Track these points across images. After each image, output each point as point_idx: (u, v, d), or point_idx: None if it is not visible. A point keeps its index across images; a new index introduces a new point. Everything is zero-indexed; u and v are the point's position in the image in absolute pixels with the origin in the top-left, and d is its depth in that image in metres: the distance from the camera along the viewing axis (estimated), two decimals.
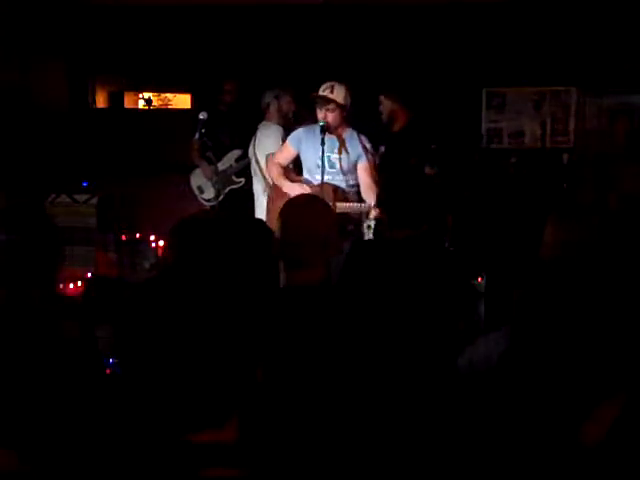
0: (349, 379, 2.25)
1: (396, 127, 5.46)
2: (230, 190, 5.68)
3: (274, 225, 2.60)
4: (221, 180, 5.44)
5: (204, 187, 5.72)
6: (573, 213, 2.57)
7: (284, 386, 2.19)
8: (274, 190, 4.62)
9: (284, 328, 2.26)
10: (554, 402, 2.14)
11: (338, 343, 2.27)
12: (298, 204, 2.62)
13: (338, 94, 4.23)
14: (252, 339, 2.23)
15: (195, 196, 5.82)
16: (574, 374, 2.14)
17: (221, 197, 5.45)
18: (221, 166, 5.63)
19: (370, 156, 4.40)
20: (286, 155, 4.48)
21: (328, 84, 4.26)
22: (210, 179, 5.53)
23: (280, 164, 4.47)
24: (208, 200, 5.67)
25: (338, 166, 4.31)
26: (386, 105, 5.48)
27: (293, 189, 4.28)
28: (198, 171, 5.74)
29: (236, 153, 5.71)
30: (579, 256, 2.41)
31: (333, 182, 4.26)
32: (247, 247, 2.36)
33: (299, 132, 4.50)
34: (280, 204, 2.70)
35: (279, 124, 5.28)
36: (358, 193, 4.37)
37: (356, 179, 4.36)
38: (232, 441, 2.05)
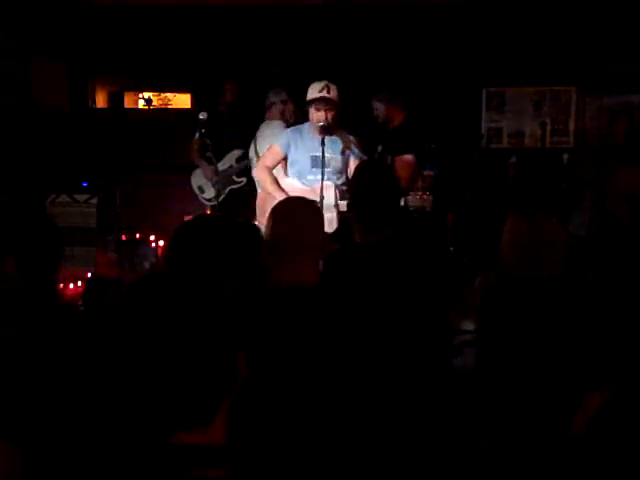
0: (340, 380, 2.26)
1: (392, 126, 5.47)
2: (230, 190, 5.68)
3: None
4: (221, 180, 5.43)
5: (204, 187, 5.72)
6: (525, 213, 2.58)
7: (274, 386, 2.19)
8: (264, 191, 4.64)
9: (274, 329, 2.27)
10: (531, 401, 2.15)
11: (328, 345, 2.28)
12: (288, 205, 2.63)
13: (334, 93, 4.26)
14: (237, 338, 2.24)
15: (195, 196, 5.82)
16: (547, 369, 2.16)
17: (222, 197, 5.44)
18: (221, 166, 5.61)
19: (360, 152, 4.42)
20: (275, 157, 4.49)
21: (322, 84, 4.27)
22: (210, 179, 5.52)
23: (268, 167, 4.48)
24: (209, 200, 5.67)
25: (332, 165, 4.32)
26: (380, 108, 5.51)
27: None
28: (198, 171, 5.74)
29: (236, 153, 5.70)
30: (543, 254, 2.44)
31: (327, 182, 4.27)
32: (239, 251, 2.37)
33: (287, 134, 4.51)
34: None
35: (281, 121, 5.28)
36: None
37: (346, 177, 4.37)
38: (220, 442, 2.06)
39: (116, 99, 7.76)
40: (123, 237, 5.80)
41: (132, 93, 7.85)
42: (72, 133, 6.80)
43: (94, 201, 5.76)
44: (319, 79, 4.37)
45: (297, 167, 4.38)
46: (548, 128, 7.11)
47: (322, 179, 4.09)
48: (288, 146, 4.41)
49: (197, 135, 5.41)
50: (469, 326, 3.41)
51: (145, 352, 2.13)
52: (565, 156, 6.90)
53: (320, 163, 4.18)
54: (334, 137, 4.33)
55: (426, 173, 5.28)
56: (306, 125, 4.44)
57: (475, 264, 4.92)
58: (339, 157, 4.34)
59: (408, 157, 5.12)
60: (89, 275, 5.09)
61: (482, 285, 2.92)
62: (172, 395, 2.07)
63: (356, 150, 4.40)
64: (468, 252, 5.19)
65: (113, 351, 2.16)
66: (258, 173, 4.59)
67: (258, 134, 5.32)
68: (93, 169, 6.40)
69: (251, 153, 5.38)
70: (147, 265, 5.74)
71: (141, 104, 7.76)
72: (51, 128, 6.56)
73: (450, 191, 5.58)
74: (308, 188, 4.28)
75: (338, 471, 2.14)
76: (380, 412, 2.40)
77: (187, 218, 5.97)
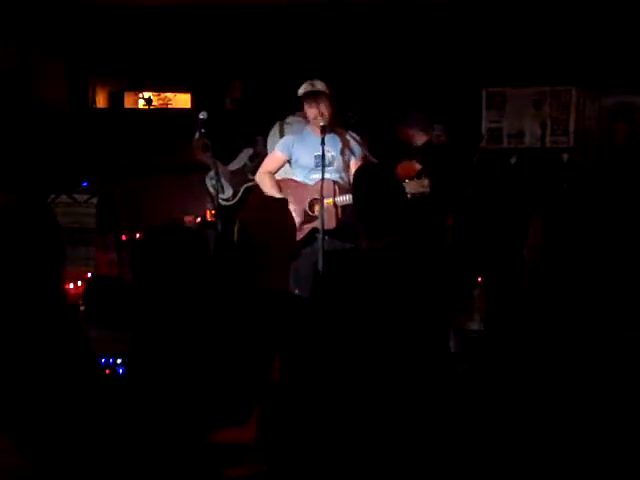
0: (336, 385, 2.26)
1: (414, 145, 5.44)
2: (245, 188, 5.68)
3: None
4: (236, 179, 5.46)
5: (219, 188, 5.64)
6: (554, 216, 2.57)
7: (293, 386, 2.20)
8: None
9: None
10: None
11: (324, 349, 2.29)
12: (255, 209, 2.63)
13: (320, 86, 4.30)
14: (268, 339, 2.24)
15: (196, 196, 5.81)
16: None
17: (238, 196, 5.46)
18: (235, 165, 5.65)
19: (364, 151, 4.44)
20: (277, 163, 4.53)
21: (309, 82, 4.32)
22: (228, 179, 5.56)
23: (269, 172, 4.51)
24: (226, 200, 5.62)
25: (335, 164, 4.34)
26: (403, 133, 5.47)
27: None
28: (212, 173, 5.68)
29: (249, 152, 5.71)
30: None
31: (331, 179, 4.29)
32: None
33: (287, 138, 4.58)
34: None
35: None
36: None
37: (348, 175, 4.37)
38: (252, 440, 2.07)
39: (116, 99, 7.75)
40: (123, 237, 5.80)
41: (132, 93, 7.84)
42: (72, 133, 6.80)
43: (94, 201, 5.76)
44: (318, 78, 4.40)
45: (301, 167, 4.40)
46: (548, 128, 7.11)
47: (322, 178, 4.09)
48: (290, 148, 4.44)
49: (197, 135, 5.41)
50: (474, 327, 3.40)
51: (182, 347, 2.14)
52: (565, 156, 6.91)
53: (324, 160, 4.22)
54: (335, 135, 4.35)
55: (436, 133, 5.27)
56: (307, 127, 4.48)
57: (476, 265, 4.92)
58: (341, 156, 4.36)
59: (415, 165, 5.10)
60: (89, 275, 5.09)
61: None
62: (208, 393, 2.07)
63: (358, 149, 4.40)
64: (469, 253, 5.19)
65: (141, 346, 2.16)
66: (259, 179, 4.62)
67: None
68: (93, 169, 6.40)
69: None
70: None
71: (141, 104, 7.75)
72: (51, 128, 6.56)
73: (450, 191, 5.57)
74: (311, 185, 4.32)
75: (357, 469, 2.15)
76: (384, 414, 2.40)
77: (187, 218, 6.02)
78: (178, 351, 2.17)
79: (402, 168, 5.02)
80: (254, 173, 5.52)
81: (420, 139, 5.37)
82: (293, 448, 2.09)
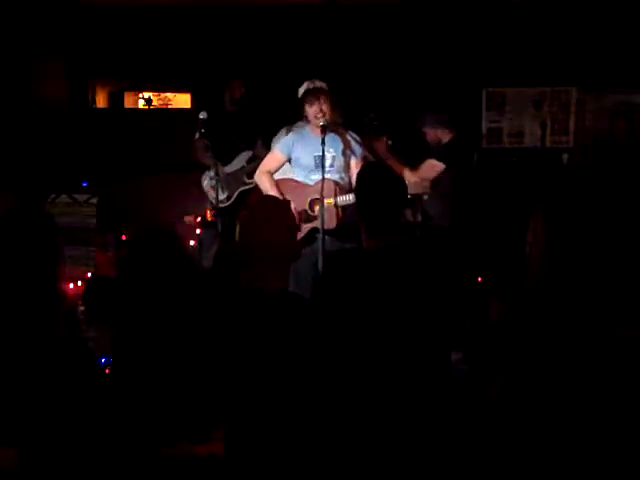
0: (326, 388, 2.25)
1: (441, 143, 5.42)
2: (241, 191, 5.68)
3: None
4: (232, 181, 5.46)
5: (216, 188, 5.66)
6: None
7: (266, 396, 2.19)
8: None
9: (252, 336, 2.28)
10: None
11: (316, 351, 2.28)
12: (255, 209, 2.63)
13: (320, 84, 4.31)
14: (237, 352, 2.24)
15: (197, 196, 5.81)
16: None
17: (233, 198, 5.45)
18: (232, 167, 5.64)
19: (363, 151, 4.43)
20: (276, 163, 4.54)
21: (309, 81, 4.33)
22: (224, 179, 5.57)
23: (269, 172, 4.51)
24: (221, 201, 5.62)
25: (336, 164, 4.34)
26: (430, 134, 5.45)
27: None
28: (210, 173, 5.68)
29: (247, 155, 5.70)
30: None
31: (331, 179, 4.28)
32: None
33: (287, 138, 4.57)
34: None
35: None
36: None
37: (348, 175, 4.37)
38: (219, 454, 2.06)
39: (116, 99, 7.75)
40: (123, 237, 5.79)
41: (132, 93, 7.85)
42: (72, 133, 6.80)
43: (94, 201, 5.75)
44: (318, 78, 4.41)
45: (301, 167, 4.40)
46: (548, 128, 7.11)
47: (322, 178, 4.09)
48: (290, 147, 4.44)
49: (197, 135, 5.41)
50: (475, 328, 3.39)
51: (150, 359, 2.13)
52: (565, 156, 6.90)
53: (324, 161, 4.22)
54: (335, 136, 4.34)
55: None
56: (306, 127, 4.47)
57: (476, 266, 4.91)
58: (341, 157, 4.36)
59: (439, 164, 5.07)
60: (89, 275, 5.08)
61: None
62: (170, 405, 2.07)
63: (359, 149, 4.41)
64: (469, 254, 5.18)
65: (120, 352, 2.16)
66: (258, 178, 4.62)
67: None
68: (93, 169, 6.40)
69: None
70: None
71: (141, 104, 7.76)
72: (51, 128, 6.56)
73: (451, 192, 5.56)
74: (311, 185, 4.32)
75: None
76: (373, 419, 2.39)
77: (187, 218, 6.02)
78: (154, 355, 2.17)
79: (425, 168, 5.00)
80: (251, 176, 5.54)
81: (445, 137, 5.35)
82: (262, 465, 2.08)
